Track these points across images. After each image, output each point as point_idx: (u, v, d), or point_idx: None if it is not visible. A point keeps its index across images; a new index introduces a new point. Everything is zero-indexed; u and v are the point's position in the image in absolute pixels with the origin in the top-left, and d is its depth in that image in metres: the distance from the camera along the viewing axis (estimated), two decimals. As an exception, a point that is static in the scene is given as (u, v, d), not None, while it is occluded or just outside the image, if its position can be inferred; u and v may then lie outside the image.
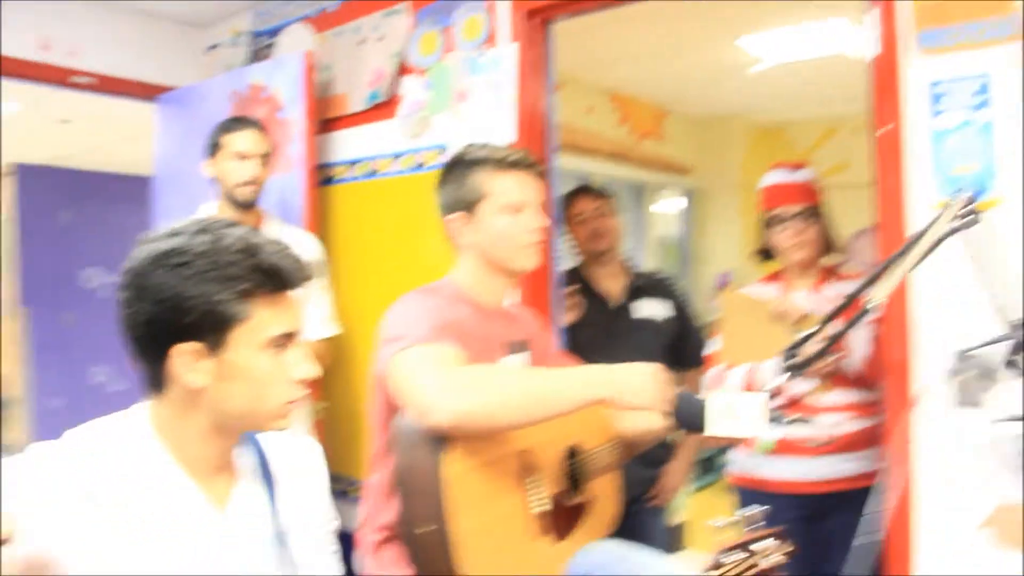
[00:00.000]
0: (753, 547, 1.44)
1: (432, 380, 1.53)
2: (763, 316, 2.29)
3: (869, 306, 1.65)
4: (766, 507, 1.49)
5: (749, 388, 2.23)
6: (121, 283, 1.18)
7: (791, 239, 2.34)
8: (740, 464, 2.44)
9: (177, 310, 1.14)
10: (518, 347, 1.88)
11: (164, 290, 1.14)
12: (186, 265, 1.14)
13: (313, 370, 1.24)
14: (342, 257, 2.90)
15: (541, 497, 1.70)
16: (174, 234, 1.18)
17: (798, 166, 2.42)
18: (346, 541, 2.82)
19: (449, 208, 1.83)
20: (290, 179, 2.88)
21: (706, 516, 4.57)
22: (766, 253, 2.46)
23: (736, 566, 1.40)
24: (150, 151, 3.44)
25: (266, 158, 2.61)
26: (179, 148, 3.24)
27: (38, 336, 5.48)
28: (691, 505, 4.50)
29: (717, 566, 1.39)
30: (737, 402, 1.58)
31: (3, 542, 0.69)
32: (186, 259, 1.15)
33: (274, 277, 1.18)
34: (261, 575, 1.28)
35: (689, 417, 1.62)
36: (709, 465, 5.87)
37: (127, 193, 5.09)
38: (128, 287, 1.18)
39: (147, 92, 3.35)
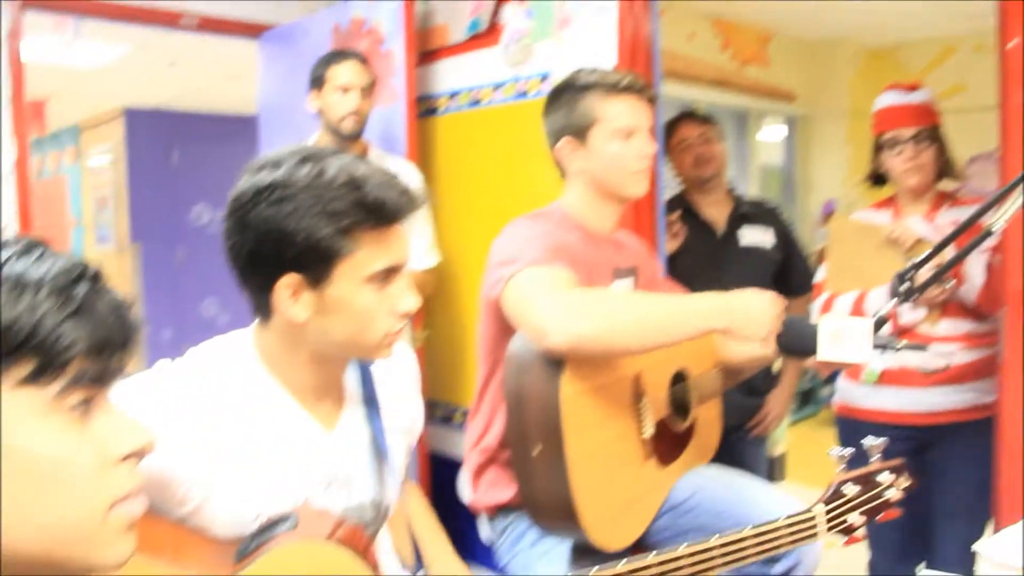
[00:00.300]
0: (874, 479, 1.41)
1: (549, 302, 1.53)
2: (874, 242, 2.23)
3: (987, 232, 1.59)
4: (883, 439, 1.47)
5: (858, 316, 2.19)
6: (226, 213, 1.18)
7: (905, 163, 2.26)
8: (845, 394, 2.41)
9: (279, 245, 1.13)
10: (625, 273, 1.88)
11: (266, 225, 1.13)
12: (288, 200, 1.13)
13: (416, 302, 1.23)
14: (444, 188, 2.93)
15: (650, 421, 1.71)
16: (277, 165, 1.16)
17: (913, 87, 2.33)
18: (447, 465, 2.93)
19: (558, 134, 1.82)
20: (392, 111, 2.90)
21: (805, 449, 4.59)
22: (878, 178, 2.39)
23: (858, 497, 1.38)
24: (254, 90, 3.51)
25: (368, 90, 2.64)
26: (282, 86, 3.30)
27: (149, 271, 5.72)
28: (790, 437, 4.46)
29: (837, 495, 1.38)
30: (848, 327, 1.56)
31: (144, 453, 0.72)
32: (288, 193, 1.13)
33: (378, 212, 1.15)
34: (367, 496, 1.32)
35: (799, 342, 1.60)
36: (808, 397, 5.81)
37: (233, 132, 5.23)
38: (231, 218, 1.17)
39: (250, 31, 3.40)
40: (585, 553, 1.65)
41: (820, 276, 2.42)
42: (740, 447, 2.62)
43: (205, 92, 5.51)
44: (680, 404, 1.85)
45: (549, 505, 1.56)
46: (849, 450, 1.44)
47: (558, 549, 1.70)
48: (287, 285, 1.15)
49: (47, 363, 0.64)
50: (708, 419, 1.96)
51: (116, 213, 5.83)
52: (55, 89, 5.19)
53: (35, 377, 0.64)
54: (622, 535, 1.66)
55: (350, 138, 2.61)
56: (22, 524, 0.64)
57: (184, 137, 5.83)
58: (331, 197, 1.13)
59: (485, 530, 2.74)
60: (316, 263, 1.14)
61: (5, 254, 0.66)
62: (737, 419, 2.58)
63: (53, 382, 0.65)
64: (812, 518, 1.35)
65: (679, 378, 1.85)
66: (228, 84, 5.04)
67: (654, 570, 1.23)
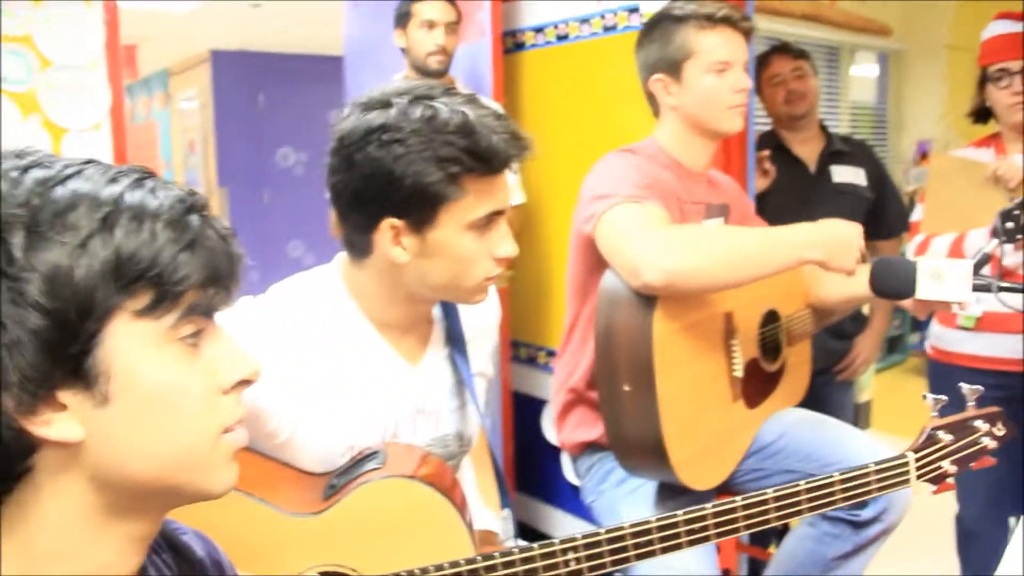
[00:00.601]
0: (970, 426, 1.37)
1: (643, 238, 1.51)
2: (976, 181, 2.14)
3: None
4: (978, 387, 1.42)
5: (957, 257, 2.12)
6: (332, 149, 1.18)
7: (1012, 97, 2.15)
8: (939, 339, 2.34)
9: (386, 187, 1.13)
10: (718, 211, 1.85)
11: (374, 166, 1.13)
12: (398, 143, 1.12)
13: (514, 247, 1.23)
14: (530, 126, 2.91)
15: (740, 361, 1.70)
16: (387, 104, 1.15)
17: (1027, 16, 2.21)
18: (530, 405, 2.96)
19: (651, 68, 1.78)
20: (478, 48, 2.88)
21: (890, 397, 4.49)
22: (981, 114, 2.29)
23: (951, 444, 1.35)
24: (339, 31, 3.52)
25: (453, 26, 2.62)
26: (368, 25, 3.29)
27: (235, 213, 5.85)
28: (876, 385, 4.38)
29: (930, 442, 1.35)
30: (947, 267, 1.51)
31: (251, 382, 0.72)
32: (399, 136, 1.12)
33: (489, 160, 1.14)
34: (451, 428, 1.34)
35: (895, 282, 1.56)
36: (895, 345, 5.67)
37: (318, 74, 5.27)
38: (337, 156, 1.17)
39: (334, -30, 3.40)
40: (672, 492, 1.66)
41: (916, 216, 2.34)
42: (826, 391, 2.58)
43: (290, 33, 5.55)
44: (771, 345, 1.83)
45: (637, 444, 1.56)
46: (943, 397, 1.40)
47: (644, 488, 1.71)
48: (390, 227, 1.16)
49: (163, 295, 0.65)
50: (798, 361, 1.94)
51: (204, 157, 5.96)
52: (145, 34, 5.30)
53: (152, 308, 0.65)
54: (710, 475, 1.66)
55: (435, 75, 2.61)
56: (139, 450, 0.66)
57: (270, 79, 5.90)
58: (442, 142, 1.12)
59: (569, 470, 2.78)
60: (421, 208, 1.14)
61: (122, 184, 0.66)
62: (824, 362, 2.53)
63: (168, 313, 0.66)
64: (903, 465, 1.32)
65: (770, 318, 1.82)
66: (313, 25, 5.06)
67: (740, 513, 1.22)
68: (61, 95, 2.18)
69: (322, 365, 1.20)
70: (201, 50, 5.76)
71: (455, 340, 1.36)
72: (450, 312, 1.36)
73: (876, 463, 1.30)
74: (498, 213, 1.20)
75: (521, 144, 1.18)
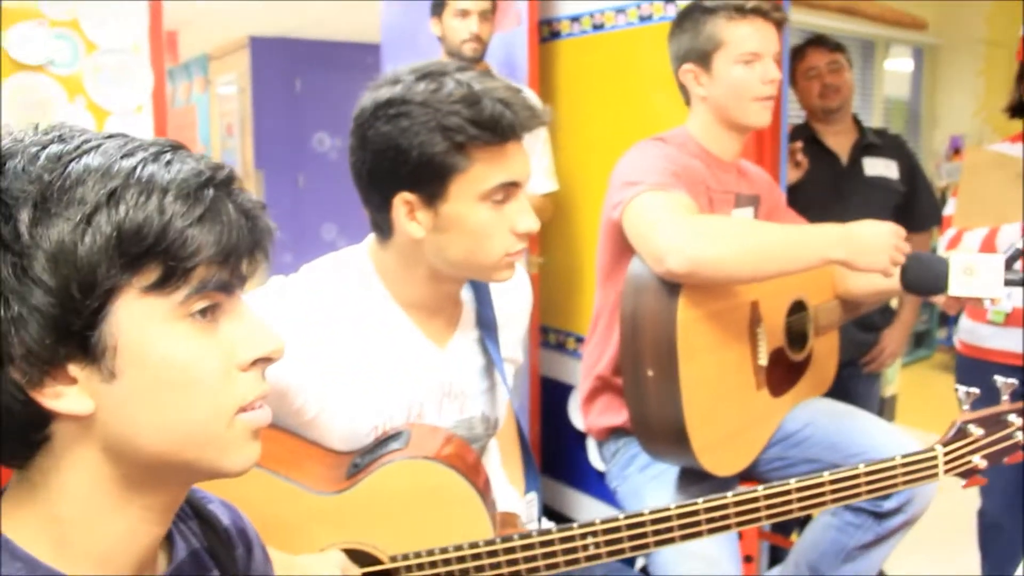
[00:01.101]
0: (1003, 419, 1.35)
1: (670, 226, 1.53)
2: (1010, 176, 2.13)
3: None
4: (1012, 380, 1.42)
5: (988, 252, 2.11)
6: (350, 131, 1.20)
7: (1052, 91, 2.14)
8: (969, 333, 2.34)
9: (395, 161, 1.14)
10: (747, 201, 1.86)
11: (383, 140, 1.15)
12: (404, 116, 1.13)
13: (535, 222, 1.21)
14: (564, 114, 2.92)
15: (765, 349, 1.71)
16: (396, 81, 1.17)
17: (1066, 11, 2.19)
18: (558, 390, 2.98)
19: (682, 59, 1.79)
20: (514, 36, 2.90)
21: (916, 391, 4.45)
22: (1018, 109, 2.27)
23: (982, 439, 1.34)
24: (377, 19, 3.54)
25: (488, 14, 2.64)
26: (405, 13, 3.32)
27: (271, 196, 5.90)
28: (902, 379, 4.35)
29: (960, 435, 1.34)
30: (979, 262, 1.51)
31: (273, 359, 0.71)
32: (405, 109, 1.13)
33: (494, 128, 1.13)
34: (477, 411, 1.36)
35: (926, 277, 1.57)
36: (922, 340, 5.63)
37: (356, 60, 5.30)
38: (354, 136, 1.19)
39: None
40: (695, 478, 1.68)
41: (949, 210, 2.34)
42: (852, 383, 2.58)
43: (328, 20, 5.58)
44: (797, 334, 1.84)
45: (660, 429, 1.58)
46: (975, 390, 1.40)
47: (668, 473, 1.73)
48: (404, 202, 1.17)
49: (172, 270, 0.63)
50: (824, 352, 1.95)
51: (241, 140, 6.02)
52: (186, 19, 5.36)
53: (160, 284, 0.63)
54: (732, 461, 1.68)
55: (471, 63, 2.63)
56: (149, 425, 0.66)
57: (307, 65, 5.93)
58: (446, 112, 1.12)
59: (595, 455, 2.80)
60: (431, 179, 1.15)
61: (137, 157, 0.65)
62: (851, 354, 2.54)
63: (178, 289, 0.64)
64: (931, 459, 1.31)
65: (797, 308, 1.83)
66: (351, 12, 5.09)
67: (763, 503, 1.24)
68: (106, 78, 2.24)
69: (349, 345, 1.21)
70: (240, 36, 5.81)
71: (485, 324, 1.37)
72: (482, 296, 1.37)
73: (903, 456, 1.30)
74: (513, 185, 1.19)
75: (530, 114, 1.17)
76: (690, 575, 1.53)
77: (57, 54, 2.16)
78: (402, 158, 1.14)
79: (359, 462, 1.22)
